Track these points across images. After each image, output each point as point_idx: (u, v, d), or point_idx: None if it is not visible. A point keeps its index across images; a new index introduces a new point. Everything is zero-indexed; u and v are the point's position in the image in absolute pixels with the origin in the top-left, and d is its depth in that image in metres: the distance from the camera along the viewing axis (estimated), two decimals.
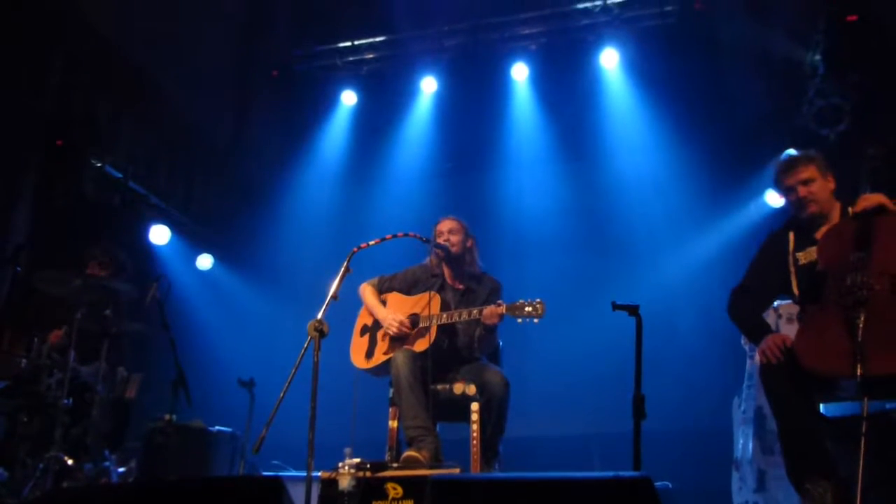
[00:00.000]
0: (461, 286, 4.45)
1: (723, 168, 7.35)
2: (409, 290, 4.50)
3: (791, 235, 3.48)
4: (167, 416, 5.03)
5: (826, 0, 6.32)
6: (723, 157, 7.38)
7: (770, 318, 4.70)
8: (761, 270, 3.51)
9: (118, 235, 6.71)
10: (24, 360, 4.64)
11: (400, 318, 4.25)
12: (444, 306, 4.23)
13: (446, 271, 4.50)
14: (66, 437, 4.55)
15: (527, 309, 3.87)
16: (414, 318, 4.27)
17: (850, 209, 3.29)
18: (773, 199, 6.83)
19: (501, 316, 3.96)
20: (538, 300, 3.87)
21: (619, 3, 7.89)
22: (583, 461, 6.87)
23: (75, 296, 4.77)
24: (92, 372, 4.88)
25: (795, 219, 3.53)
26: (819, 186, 3.42)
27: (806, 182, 3.43)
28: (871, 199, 3.18)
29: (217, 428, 6.09)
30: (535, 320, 3.86)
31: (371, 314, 4.50)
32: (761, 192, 6.94)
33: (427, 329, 4.14)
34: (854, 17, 6.08)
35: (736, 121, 7.47)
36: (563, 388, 7.14)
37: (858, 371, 2.79)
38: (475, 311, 4.03)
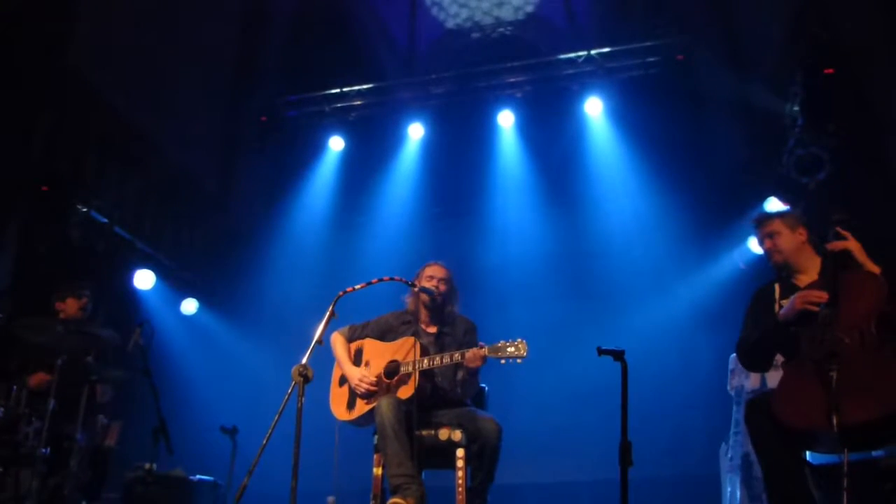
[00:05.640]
0: (434, 329, 4.43)
1: (706, 215, 7.45)
2: (382, 336, 4.45)
3: (777, 286, 3.62)
4: (147, 465, 4.94)
5: (804, 54, 6.48)
6: (706, 203, 7.49)
7: None
8: (756, 321, 3.59)
9: (102, 280, 6.66)
10: (1, 409, 4.55)
11: (368, 378, 4.18)
12: (423, 351, 4.18)
13: (423, 315, 4.46)
14: (42, 487, 4.44)
15: (509, 349, 3.83)
16: (393, 366, 4.22)
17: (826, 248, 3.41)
18: (755, 245, 6.90)
19: (484, 358, 3.93)
20: (520, 340, 3.84)
21: (602, 54, 8.07)
22: None
23: (57, 342, 4.70)
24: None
25: (779, 272, 3.69)
26: (785, 239, 3.61)
27: (771, 235, 3.65)
28: (841, 242, 3.33)
29: (198, 477, 5.97)
30: (519, 360, 3.83)
31: (340, 368, 4.44)
32: (744, 238, 7.02)
33: (409, 376, 4.10)
34: (831, 70, 6.24)
35: (718, 168, 7.60)
36: (548, 433, 7.09)
37: (835, 422, 2.82)
38: (457, 355, 3.99)
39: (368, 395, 4.19)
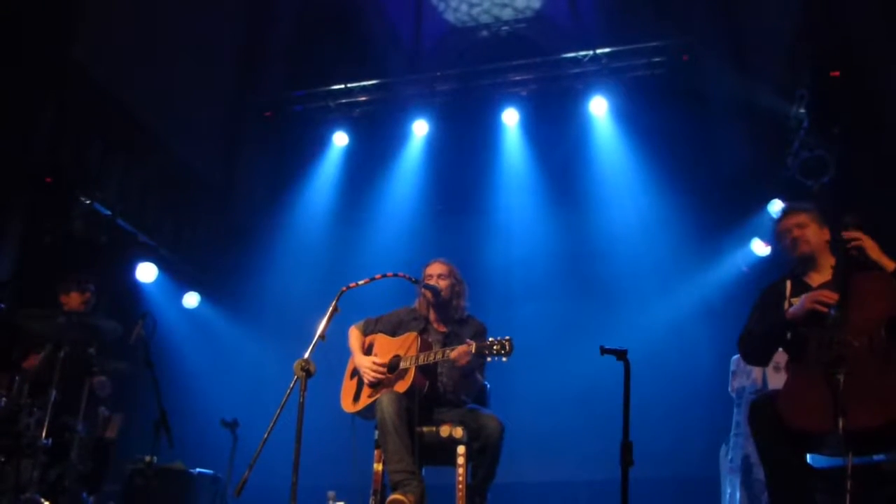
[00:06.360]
0: (444, 329, 4.44)
1: (709, 216, 7.44)
2: (393, 331, 4.47)
3: (788, 283, 3.59)
4: (148, 458, 4.93)
5: (810, 56, 6.46)
6: (709, 204, 7.48)
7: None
8: (763, 315, 3.57)
9: (104, 273, 6.66)
10: (3, 399, 4.55)
11: (376, 364, 4.22)
12: (426, 347, 4.19)
13: (432, 314, 4.48)
14: (43, 478, 4.44)
15: (494, 347, 3.82)
16: (395, 360, 4.23)
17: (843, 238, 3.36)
18: (759, 247, 6.90)
19: (470, 354, 3.92)
20: (507, 338, 3.82)
21: (608, 54, 8.06)
22: None
23: (59, 333, 4.70)
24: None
25: (792, 269, 3.66)
26: (813, 231, 3.56)
27: (801, 225, 3.58)
28: (860, 237, 3.27)
29: (198, 470, 5.98)
30: (504, 359, 3.81)
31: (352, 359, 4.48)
32: (747, 240, 7.01)
33: (406, 370, 4.11)
34: (837, 73, 6.21)
35: (722, 170, 7.59)
36: (550, 432, 7.09)
37: (841, 426, 2.82)
38: (448, 351, 4.00)
39: (376, 384, 4.20)
